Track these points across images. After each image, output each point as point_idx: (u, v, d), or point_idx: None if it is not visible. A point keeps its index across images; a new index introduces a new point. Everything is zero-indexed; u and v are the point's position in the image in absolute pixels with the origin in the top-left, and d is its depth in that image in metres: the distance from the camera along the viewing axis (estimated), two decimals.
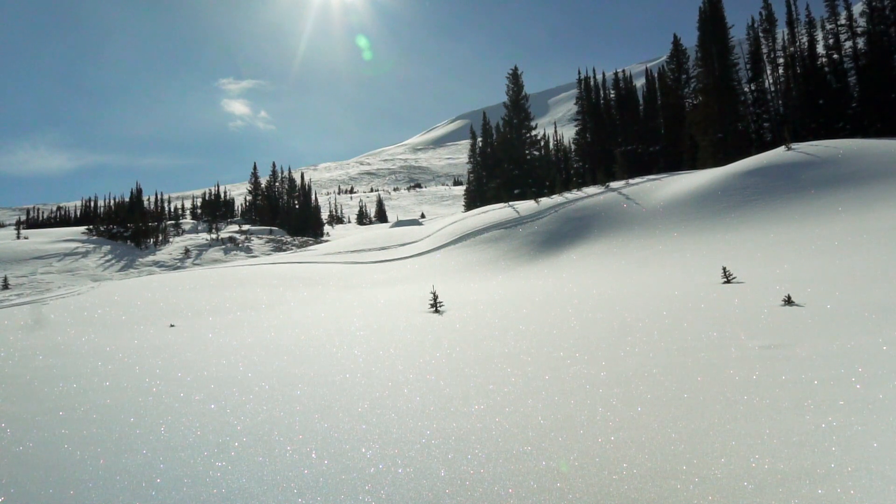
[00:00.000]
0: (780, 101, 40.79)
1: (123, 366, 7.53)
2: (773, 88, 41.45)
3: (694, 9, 41.15)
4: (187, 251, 38.41)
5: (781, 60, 40.83)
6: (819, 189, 18.57)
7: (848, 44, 38.16)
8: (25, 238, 40.58)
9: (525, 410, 4.60)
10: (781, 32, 40.92)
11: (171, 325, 11.88)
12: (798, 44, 39.72)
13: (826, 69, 38.55)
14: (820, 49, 39.31)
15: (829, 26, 38.83)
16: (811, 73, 38.27)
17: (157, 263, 34.97)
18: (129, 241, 40.84)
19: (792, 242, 14.56)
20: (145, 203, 74.65)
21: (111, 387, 6.29)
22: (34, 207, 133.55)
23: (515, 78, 49.33)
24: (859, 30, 37.73)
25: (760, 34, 41.13)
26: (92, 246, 37.55)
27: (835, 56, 38.41)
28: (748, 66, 41.35)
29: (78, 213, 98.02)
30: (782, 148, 24.10)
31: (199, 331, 10.91)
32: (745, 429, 3.83)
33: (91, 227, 44.44)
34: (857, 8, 38.85)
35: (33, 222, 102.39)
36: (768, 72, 41.54)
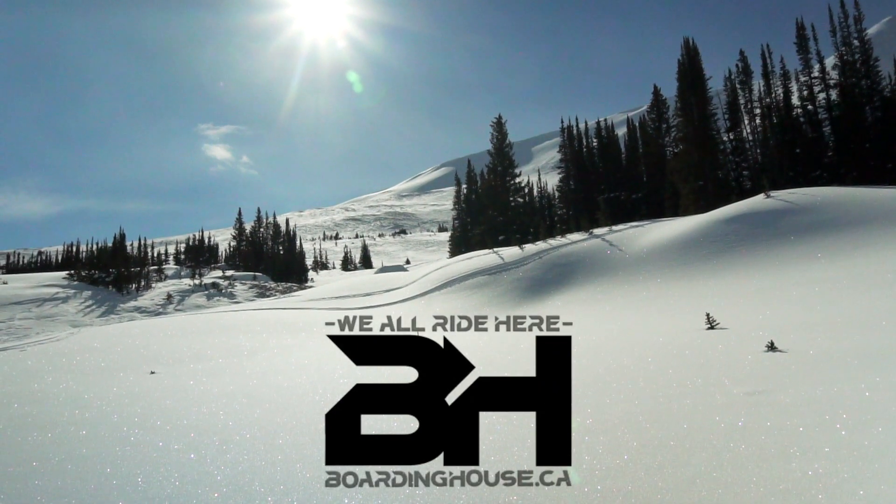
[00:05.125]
0: (759, 150, 41.75)
1: (101, 414, 7.36)
2: (750, 138, 42.49)
3: (673, 60, 42.50)
4: (170, 297, 38.02)
5: (758, 111, 42.00)
6: (798, 236, 18.86)
7: (822, 95, 39.33)
8: (4, 283, 39.93)
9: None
10: (758, 84, 42.22)
11: (152, 372, 11.67)
12: (774, 95, 40.90)
13: (801, 119, 39.62)
14: (795, 100, 40.51)
15: (802, 78, 40.10)
16: (787, 123, 39.30)
17: (138, 309, 34.54)
18: (110, 287, 40.37)
19: (774, 288, 14.70)
20: (128, 248, 74.11)
21: (88, 436, 6.14)
22: (14, 252, 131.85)
23: (500, 126, 50.15)
24: (832, 82, 38.98)
25: (737, 85, 42.38)
26: (73, 291, 37.07)
27: (809, 107, 39.53)
28: (726, 116, 42.46)
29: (60, 258, 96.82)
30: (762, 195, 24.54)
31: (180, 378, 10.73)
32: (732, 476, 3.81)
33: (72, 271, 43.93)
34: (830, 61, 40.22)
35: (14, 267, 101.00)
36: (746, 121, 42.66)
